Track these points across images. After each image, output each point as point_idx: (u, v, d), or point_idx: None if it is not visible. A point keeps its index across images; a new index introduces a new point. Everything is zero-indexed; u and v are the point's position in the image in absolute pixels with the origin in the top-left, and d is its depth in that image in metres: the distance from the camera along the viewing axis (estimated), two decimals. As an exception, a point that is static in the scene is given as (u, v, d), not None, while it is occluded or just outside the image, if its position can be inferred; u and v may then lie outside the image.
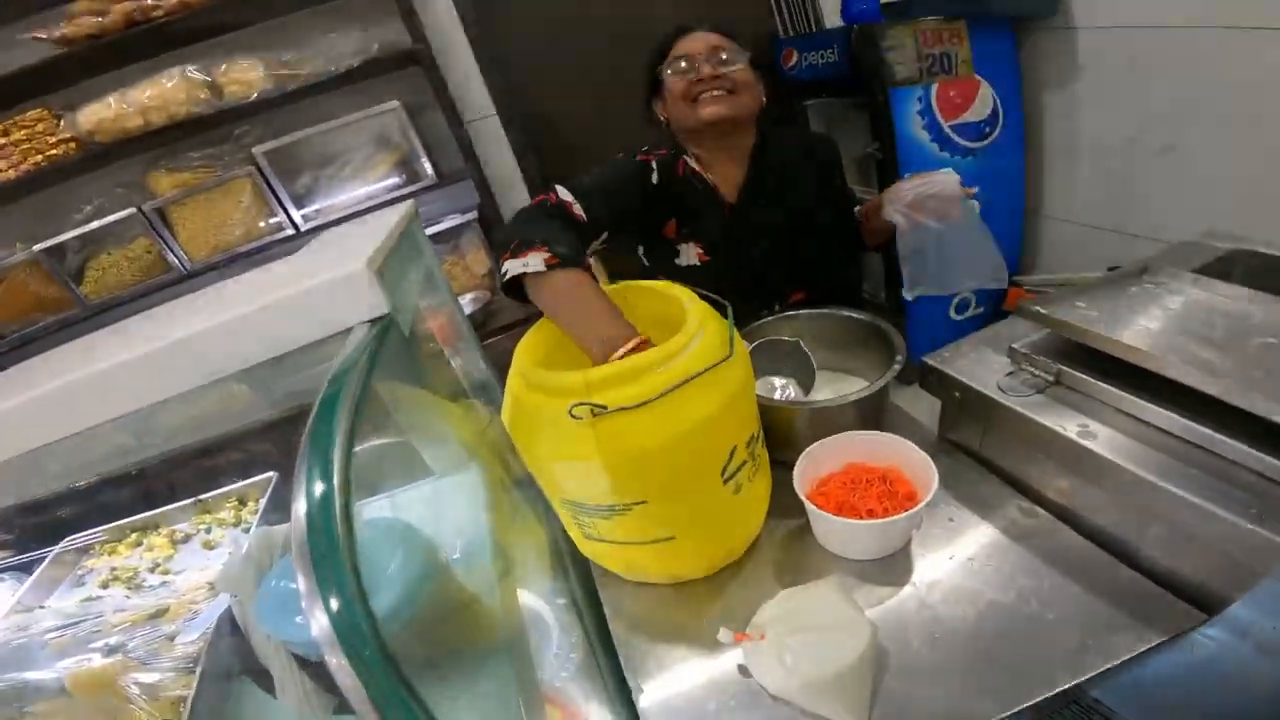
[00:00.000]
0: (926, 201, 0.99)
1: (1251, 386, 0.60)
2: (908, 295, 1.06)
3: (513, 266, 0.76)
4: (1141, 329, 0.72)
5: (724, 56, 1.03)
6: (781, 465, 0.84)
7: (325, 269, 0.60)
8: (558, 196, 0.91)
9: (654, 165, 1.07)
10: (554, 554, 0.91)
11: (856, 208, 1.24)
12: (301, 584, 0.33)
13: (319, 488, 0.35)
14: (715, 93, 1.02)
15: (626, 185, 1.03)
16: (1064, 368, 0.75)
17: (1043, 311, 0.77)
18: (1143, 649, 0.61)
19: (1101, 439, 0.69)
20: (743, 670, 0.69)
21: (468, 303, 2.00)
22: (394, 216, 0.78)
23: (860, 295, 1.37)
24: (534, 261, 0.75)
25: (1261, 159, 1.44)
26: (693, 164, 1.11)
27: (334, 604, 0.32)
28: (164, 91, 1.73)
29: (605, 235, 0.97)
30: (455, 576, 0.64)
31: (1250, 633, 0.61)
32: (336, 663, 0.31)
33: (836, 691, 0.62)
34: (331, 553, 0.33)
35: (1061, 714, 0.86)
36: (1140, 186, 1.74)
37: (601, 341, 0.71)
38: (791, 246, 1.14)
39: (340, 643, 0.31)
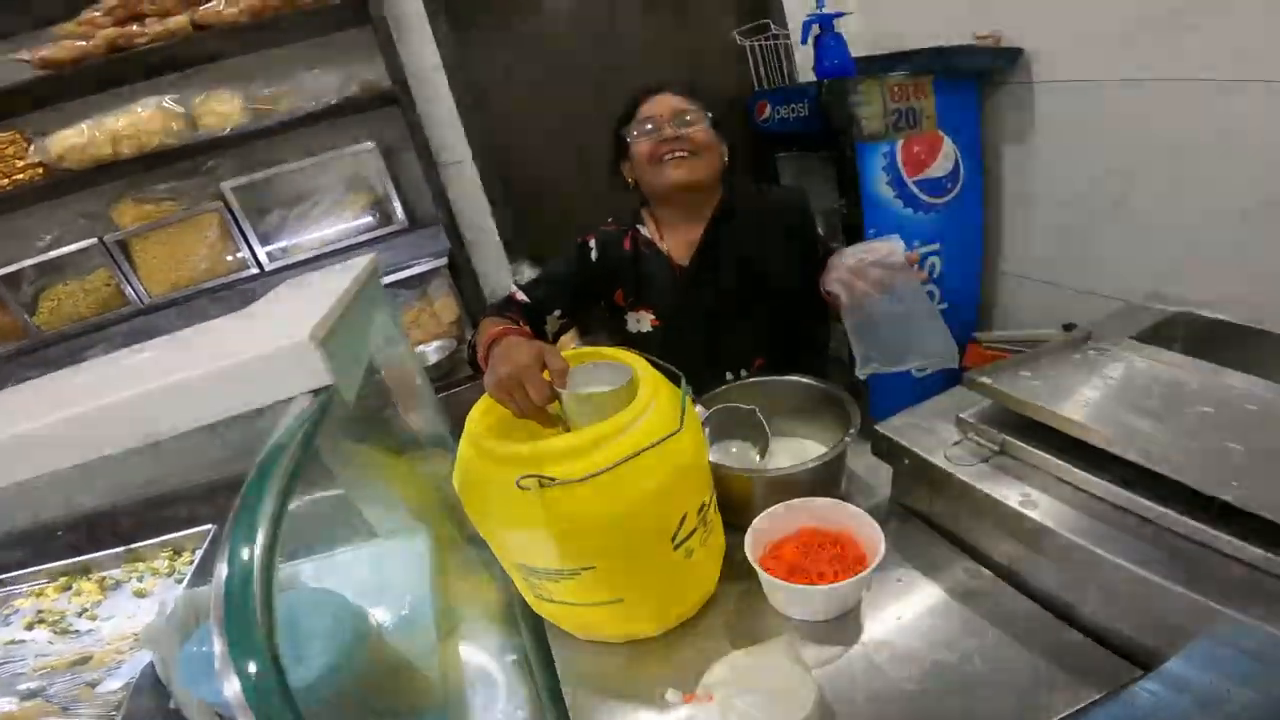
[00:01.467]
0: (869, 270, 0.95)
1: (1185, 457, 0.62)
2: (859, 374, 1.01)
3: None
4: (1082, 400, 0.74)
5: (687, 119, 1.06)
6: (736, 529, 0.84)
7: (270, 337, 0.60)
8: (513, 292, 1.11)
9: (592, 244, 1.16)
10: (506, 610, 0.90)
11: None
12: (216, 650, 0.33)
13: (241, 558, 0.36)
14: (679, 154, 1.05)
15: (567, 268, 1.16)
16: (1008, 438, 0.77)
17: (988, 382, 0.79)
18: (1082, 705, 0.62)
19: (1042, 507, 0.71)
20: (690, 730, 0.68)
21: (434, 350, 1.98)
22: (348, 277, 0.78)
23: (825, 357, 1.32)
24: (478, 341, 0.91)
25: (1207, 216, 1.49)
26: (645, 232, 1.15)
27: (247, 671, 0.33)
28: (138, 120, 1.71)
29: (559, 313, 1.12)
30: (388, 644, 0.62)
31: (1188, 687, 0.62)
32: None
33: None
34: (248, 622, 0.34)
35: None
36: (1093, 242, 1.80)
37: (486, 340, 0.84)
38: (747, 311, 1.14)
39: (252, 710, 0.32)
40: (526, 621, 0.89)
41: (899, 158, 1.90)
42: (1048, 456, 0.74)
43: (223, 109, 1.79)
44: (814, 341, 1.26)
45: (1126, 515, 0.67)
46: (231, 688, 0.32)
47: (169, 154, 1.78)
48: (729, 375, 1.16)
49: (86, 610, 1.04)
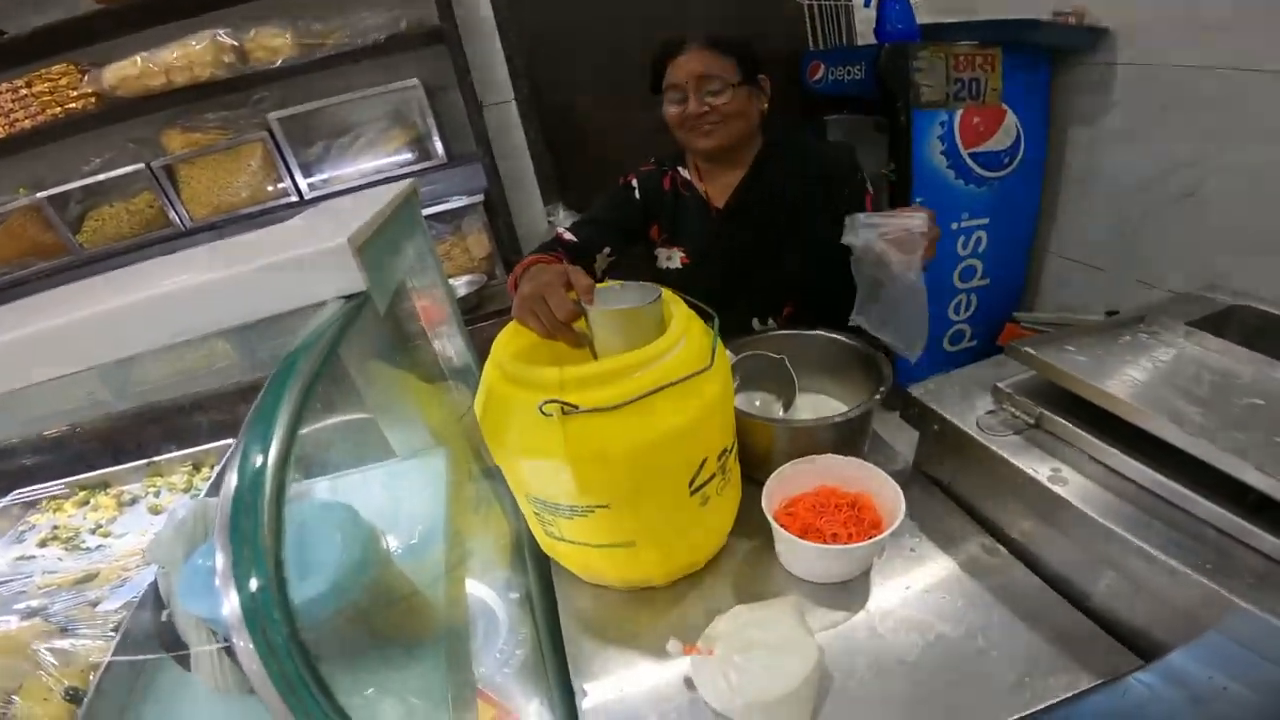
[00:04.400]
0: (886, 237, 0.91)
1: (1227, 446, 0.59)
2: (851, 321, 1.01)
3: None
4: (1127, 379, 0.71)
5: (713, 87, 1.01)
6: (753, 481, 0.83)
7: (307, 241, 0.59)
8: (560, 231, 1.12)
9: (634, 183, 1.17)
10: (515, 548, 0.91)
11: None
12: (219, 561, 0.32)
13: (253, 465, 0.35)
14: (706, 125, 1.03)
15: (614, 207, 1.17)
16: (1045, 411, 0.75)
17: (1031, 353, 0.76)
18: (1076, 692, 0.62)
19: (1072, 484, 0.69)
20: (688, 683, 0.68)
21: (463, 284, 2.01)
22: (388, 196, 0.77)
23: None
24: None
25: (1274, 215, 1.42)
26: (684, 173, 1.15)
27: (248, 586, 0.32)
28: (190, 53, 1.74)
29: (609, 250, 1.13)
30: (396, 568, 0.62)
31: (1186, 683, 0.61)
32: (242, 646, 0.31)
33: (778, 714, 0.62)
34: (254, 533, 0.32)
35: None
36: (1154, 232, 1.72)
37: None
38: (779, 257, 1.13)
39: (248, 626, 0.31)
40: (534, 562, 0.90)
41: (956, 128, 1.82)
42: (1084, 434, 0.71)
43: (273, 43, 1.80)
44: (843, 299, 1.23)
45: (1157, 500, 0.65)
46: (230, 603, 0.31)
47: (219, 85, 1.80)
48: (755, 322, 1.17)
49: (101, 526, 1.04)
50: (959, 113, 1.81)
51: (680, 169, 1.16)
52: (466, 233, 2.10)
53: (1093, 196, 1.89)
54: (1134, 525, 0.63)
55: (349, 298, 0.57)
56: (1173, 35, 1.56)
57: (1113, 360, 0.75)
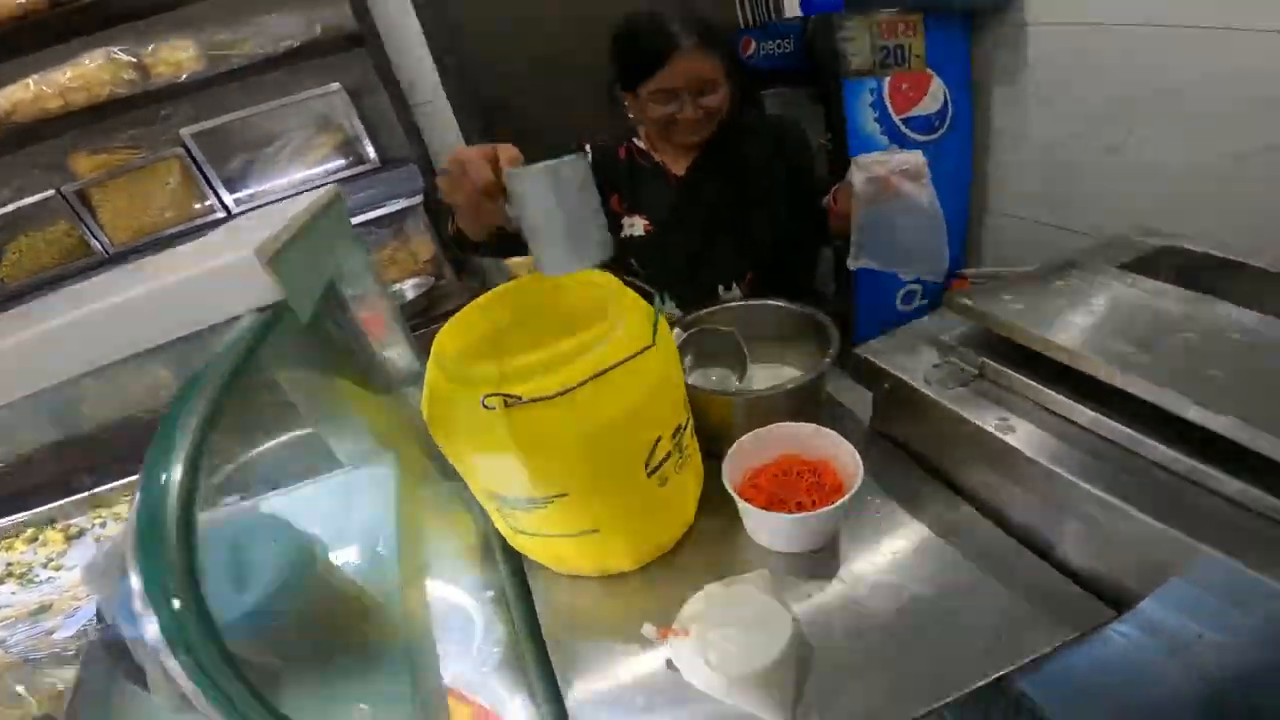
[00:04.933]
0: (896, 172, 0.96)
1: (1166, 382, 0.60)
2: (851, 264, 1.04)
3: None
4: (1063, 323, 0.72)
5: (706, 90, 1.02)
6: (715, 458, 0.83)
7: (217, 255, 0.56)
8: None
9: (588, 149, 1.15)
10: (484, 547, 0.89)
11: (825, 198, 1.22)
12: (133, 584, 0.30)
13: (157, 484, 0.33)
14: (695, 126, 1.04)
15: None
16: (988, 361, 0.76)
17: (968, 304, 0.77)
18: (1053, 646, 0.63)
19: (1020, 433, 0.70)
20: (671, 665, 0.68)
21: (410, 287, 1.97)
22: (305, 202, 0.74)
23: (813, 281, 1.38)
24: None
25: (1202, 159, 1.47)
26: (639, 144, 1.15)
27: (167, 606, 0.30)
28: (85, 72, 1.66)
29: None
30: (342, 575, 0.61)
31: (1161, 631, 0.62)
32: (172, 666, 0.30)
33: (760, 688, 0.62)
34: (162, 554, 0.31)
35: (993, 705, 0.88)
36: (1082, 184, 1.78)
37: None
38: (742, 224, 1.14)
39: (171, 647, 0.30)
40: (505, 559, 0.89)
41: (886, 95, 1.84)
42: (1028, 381, 0.73)
43: (175, 57, 1.73)
44: (802, 265, 1.29)
45: (1106, 444, 0.66)
46: (151, 626, 0.30)
47: (123, 103, 1.73)
48: (720, 288, 1.18)
49: (52, 560, 1.04)
50: (887, 80, 1.84)
51: (635, 140, 1.16)
52: (409, 235, 2.05)
53: (1023, 152, 1.94)
54: (1084, 470, 0.63)
55: (264, 309, 0.54)
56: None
57: (1047, 306, 0.76)
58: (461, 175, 0.70)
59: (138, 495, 0.33)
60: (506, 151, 0.69)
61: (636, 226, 1.17)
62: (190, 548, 0.31)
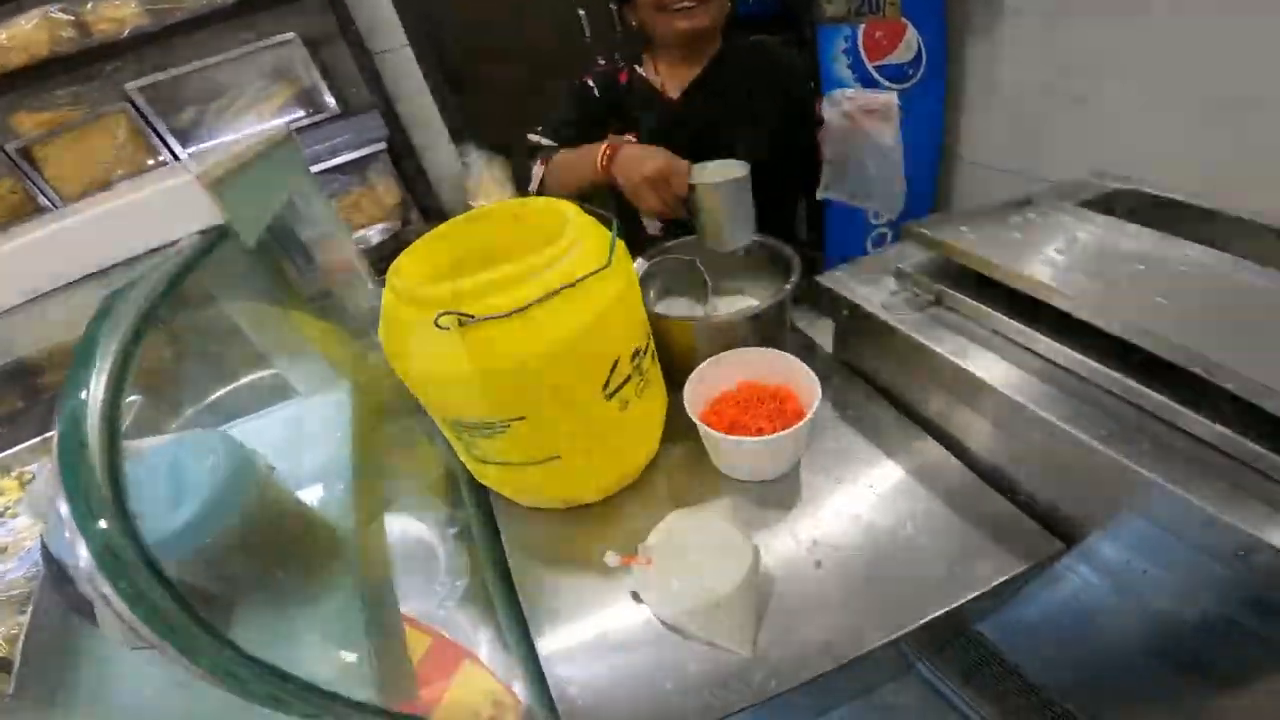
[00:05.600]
0: (865, 110, 0.98)
1: (1113, 309, 0.61)
2: (819, 195, 1.10)
3: (533, 189, 1.12)
4: (1018, 253, 0.73)
5: None
6: (680, 387, 0.83)
7: (159, 182, 0.55)
8: (535, 139, 1.18)
9: (591, 83, 1.19)
10: (449, 483, 0.89)
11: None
12: (61, 511, 0.29)
13: (75, 399, 0.32)
14: (687, 4, 1.03)
15: (579, 108, 1.20)
16: (944, 288, 0.77)
17: (926, 233, 0.78)
18: (1005, 578, 0.64)
19: (973, 358, 0.71)
20: (636, 598, 0.69)
21: (376, 233, 1.96)
22: (253, 138, 0.72)
23: (792, 218, 1.41)
24: (535, 173, 1.11)
25: (1168, 111, 1.49)
26: (640, 70, 1.18)
27: (94, 530, 0.29)
28: (22, 32, 1.59)
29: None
30: (282, 489, 0.60)
31: (1110, 570, 0.64)
32: (106, 593, 0.29)
33: (722, 617, 0.62)
34: (87, 475, 0.30)
35: (951, 644, 0.92)
36: (1052, 133, 1.79)
37: (595, 155, 0.98)
38: (730, 148, 1.13)
39: (103, 573, 0.29)
40: (471, 494, 0.89)
41: (860, 42, 1.83)
42: (983, 307, 0.74)
43: (118, 14, 1.65)
44: (786, 197, 1.32)
45: (1060, 371, 0.67)
46: (82, 552, 0.29)
47: (64, 60, 1.66)
48: None
49: (9, 509, 1.00)
50: (861, 28, 1.82)
51: (637, 66, 1.18)
52: (374, 182, 2.02)
53: (994, 102, 1.94)
54: (1038, 397, 0.64)
55: (205, 232, 0.53)
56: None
57: (1003, 236, 0.77)
58: (665, 186, 0.91)
59: (58, 414, 0.32)
60: (683, 164, 0.92)
61: None
62: (114, 465, 0.30)
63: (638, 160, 0.93)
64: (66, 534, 0.29)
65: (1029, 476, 0.70)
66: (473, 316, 0.58)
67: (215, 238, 0.53)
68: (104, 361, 0.35)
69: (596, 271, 0.62)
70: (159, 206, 0.53)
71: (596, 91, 1.19)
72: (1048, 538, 0.67)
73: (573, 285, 0.60)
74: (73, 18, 1.63)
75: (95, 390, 0.33)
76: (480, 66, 2.14)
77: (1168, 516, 0.54)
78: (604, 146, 0.99)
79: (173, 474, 0.50)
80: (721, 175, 0.88)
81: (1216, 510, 0.49)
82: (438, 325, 0.58)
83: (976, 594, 0.63)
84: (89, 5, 1.64)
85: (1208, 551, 0.53)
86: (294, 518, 0.59)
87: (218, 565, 0.49)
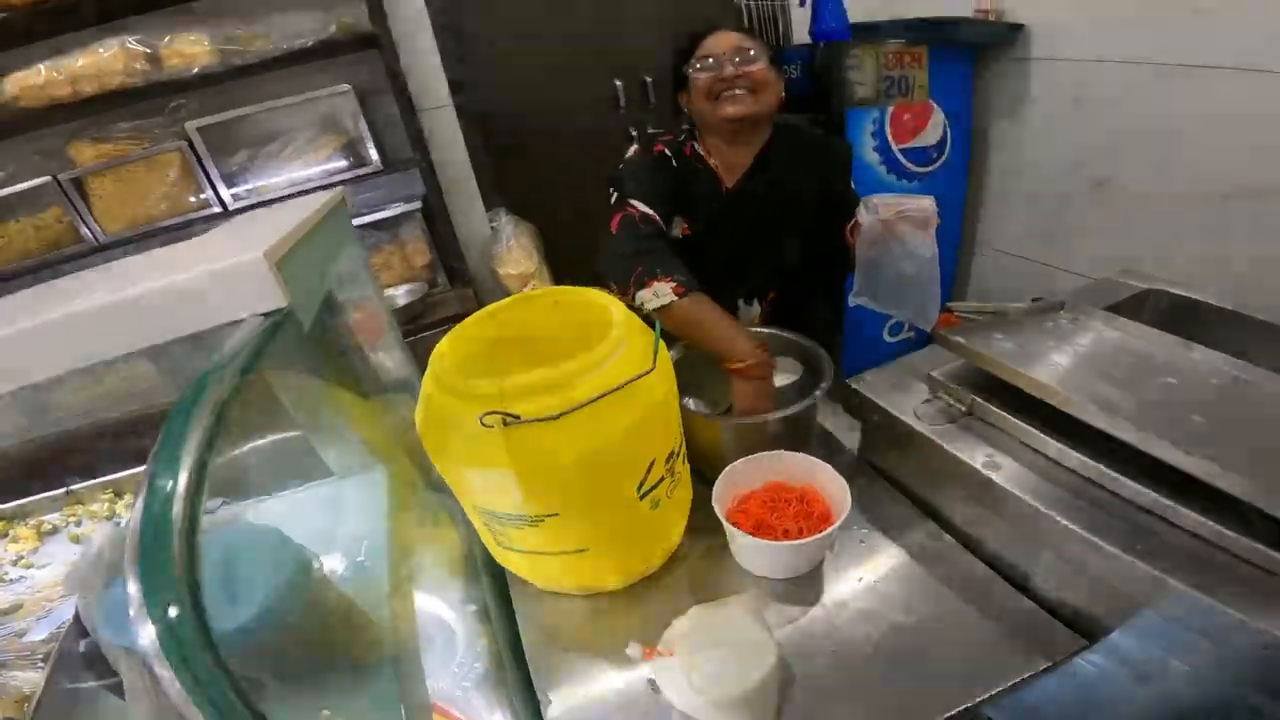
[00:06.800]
0: (898, 220, 0.98)
1: (1148, 426, 0.62)
2: (852, 301, 1.09)
3: (647, 298, 0.93)
4: (1052, 364, 0.74)
5: (747, 56, 1.05)
6: (704, 480, 0.84)
7: (223, 255, 0.56)
8: (639, 210, 1.03)
9: (669, 152, 1.15)
10: (468, 560, 0.89)
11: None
12: (131, 592, 0.30)
13: (162, 492, 0.33)
14: (737, 91, 1.05)
15: (667, 181, 1.13)
16: (977, 399, 0.77)
17: (960, 341, 0.78)
18: (1027, 674, 0.64)
19: (1005, 470, 0.71)
20: (652, 685, 0.68)
21: (404, 294, 1.96)
22: (312, 206, 0.74)
23: (834, 309, 1.41)
24: (663, 292, 0.92)
25: (1188, 200, 1.51)
26: (699, 148, 1.17)
27: (165, 616, 0.30)
28: (99, 61, 1.64)
29: (680, 219, 1.14)
30: (334, 589, 0.60)
31: (1129, 661, 0.63)
32: (165, 676, 0.30)
33: (741, 711, 0.62)
34: (166, 562, 0.31)
35: None
36: (1073, 220, 1.82)
37: (748, 350, 0.90)
38: (776, 243, 1.16)
39: (167, 657, 0.30)
40: (488, 572, 0.88)
41: (888, 125, 1.88)
42: (1014, 420, 0.74)
43: (190, 50, 1.71)
44: (828, 290, 1.32)
45: (1086, 483, 0.68)
46: (147, 634, 0.30)
47: (132, 93, 1.70)
48: (741, 304, 1.22)
49: (22, 558, 1.01)
50: (890, 110, 1.87)
51: (694, 143, 1.18)
52: (405, 241, 2.04)
53: (1016, 188, 1.98)
54: (1065, 508, 0.65)
55: (268, 314, 0.54)
56: (1081, 30, 1.65)
57: (1036, 345, 0.78)
58: (765, 401, 0.91)
59: (140, 500, 0.33)
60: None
61: (676, 227, 1.17)
62: (193, 559, 0.31)
63: (761, 399, 0.91)
64: (131, 613, 0.30)
65: (1052, 579, 0.71)
66: (518, 418, 0.59)
67: (279, 321, 0.54)
68: (189, 452, 0.36)
69: (641, 375, 0.63)
70: (226, 285, 0.54)
71: (674, 161, 1.16)
72: (1069, 635, 0.67)
73: (618, 390, 0.61)
74: (149, 50, 1.68)
75: (179, 482, 0.34)
76: (514, 134, 2.20)
77: (1193, 618, 0.55)
78: (744, 357, 0.91)
79: (228, 565, 0.51)
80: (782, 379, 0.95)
81: (1248, 617, 0.51)
82: (482, 423, 0.58)
83: (995, 691, 0.63)
84: (166, 39, 1.70)
85: (1236, 649, 0.53)
86: (340, 614, 0.59)
87: (266, 660, 0.49)
